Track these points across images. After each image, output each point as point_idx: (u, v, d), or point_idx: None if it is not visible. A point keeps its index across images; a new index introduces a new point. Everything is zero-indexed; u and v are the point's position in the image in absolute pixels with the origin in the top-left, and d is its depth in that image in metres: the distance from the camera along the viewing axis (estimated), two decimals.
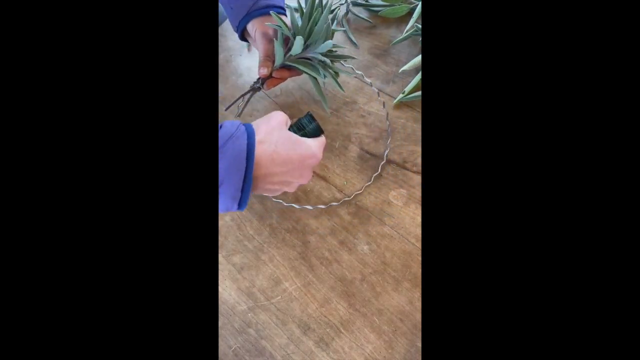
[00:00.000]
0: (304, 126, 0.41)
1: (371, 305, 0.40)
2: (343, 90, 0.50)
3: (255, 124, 0.36)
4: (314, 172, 0.49)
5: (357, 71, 0.56)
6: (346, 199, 0.46)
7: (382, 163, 0.48)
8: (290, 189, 0.39)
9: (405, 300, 0.40)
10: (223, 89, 0.57)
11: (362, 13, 0.63)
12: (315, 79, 0.49)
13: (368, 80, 0.54)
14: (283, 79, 0.51)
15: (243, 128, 0.34)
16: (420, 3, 0.59)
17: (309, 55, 0.47)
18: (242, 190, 0.33)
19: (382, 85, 0.55)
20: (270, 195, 0.40)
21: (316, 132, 0.41)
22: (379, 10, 0.61)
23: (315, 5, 0.47)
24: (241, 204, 0.34)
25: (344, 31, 0.61)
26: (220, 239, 0.45)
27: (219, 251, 0.44)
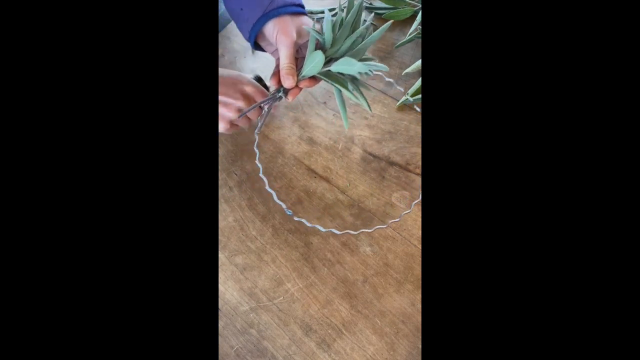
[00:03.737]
0: None
1: (373, 307, 0.40)
2: (371, 110, 0.48)
3: None
4: (316, 173, 0.49)
5: (387, 78, 0.55)
6: (394, 220, 0.45)
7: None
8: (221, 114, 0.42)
9: (407, 302, 0.40)
10: None
11: (366, 16, 0.63)
12: (341, 93, 0.42)
13: (400, 88, 0.54)
14: (310, 87, 0.45)
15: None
16: None
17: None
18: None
19: (385, 88, 0.55)
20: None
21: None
22: (383, 13, 0.61)
23: (356, 13, 0.39)
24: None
25: None
26: (223, 239, 0.45)
27: (222, 252, 0.45)
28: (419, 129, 0.51)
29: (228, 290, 0.43)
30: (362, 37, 0.40)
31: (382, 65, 0.38)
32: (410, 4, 0.60)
